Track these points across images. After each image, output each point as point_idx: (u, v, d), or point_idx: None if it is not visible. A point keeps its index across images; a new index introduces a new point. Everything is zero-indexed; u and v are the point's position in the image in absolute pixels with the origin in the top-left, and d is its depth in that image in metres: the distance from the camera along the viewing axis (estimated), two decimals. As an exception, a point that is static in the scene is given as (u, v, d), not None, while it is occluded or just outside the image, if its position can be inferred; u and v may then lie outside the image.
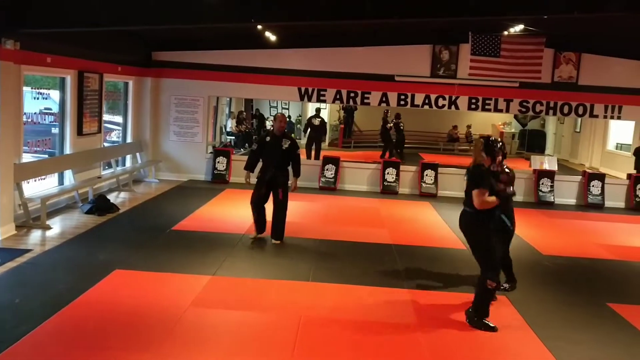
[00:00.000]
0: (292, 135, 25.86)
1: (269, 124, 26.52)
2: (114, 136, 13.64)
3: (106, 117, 12.72)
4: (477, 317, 5.84)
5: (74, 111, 10.65)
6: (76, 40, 9.84)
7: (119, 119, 13.52)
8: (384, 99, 13.78)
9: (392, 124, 19.72)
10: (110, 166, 12.41)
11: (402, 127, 19.83)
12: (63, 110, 10.50)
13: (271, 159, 8.42)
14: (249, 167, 8.69)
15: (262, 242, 8.56)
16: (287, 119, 12.38)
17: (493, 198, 5.76)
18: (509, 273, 7.09)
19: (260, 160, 8.62)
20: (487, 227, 5.86)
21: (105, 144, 12.55)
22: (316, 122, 18.00)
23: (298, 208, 11.17)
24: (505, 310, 6.40)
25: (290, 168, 8.64)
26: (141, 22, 8.41)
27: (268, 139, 8.57)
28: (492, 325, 5.80)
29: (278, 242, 8.53)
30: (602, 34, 12.58)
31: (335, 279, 7.08)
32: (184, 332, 5.29)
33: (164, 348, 4.95)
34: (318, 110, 18.61)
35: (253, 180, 8.61)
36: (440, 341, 5.48)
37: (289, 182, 8.62)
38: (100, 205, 9.91)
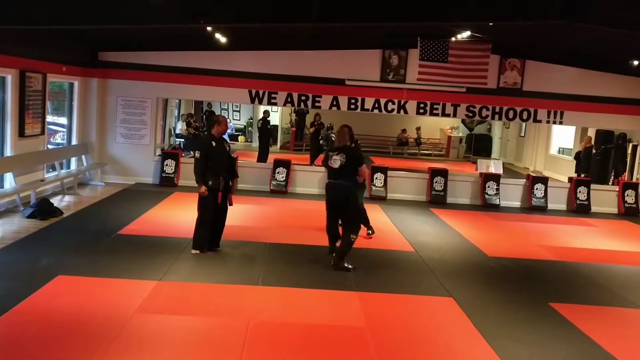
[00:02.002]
0: (242, 137, 25.90)
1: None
2: (59, 138, 13.28)
3: (50, 118, 12.37)
4: (341, 260, 7.60)
5: (15, 112, 10.28)
6: (17, 39, 9.53)
7: (63, 120, 13.16)
8: (334, 103, 13.86)
9: (323, 136, 19.36)
10: (54, 169, 12.06)
11: (333, 140, 20.01)
12: (3, 111, 10.13)
13: (222, 164, 7.91)
14: (203, 178, 7.77)
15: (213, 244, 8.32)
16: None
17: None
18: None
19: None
20: (360, 196, 8.28)
21: (49, 146, 12.20)
22: (259, 124, 18.05)
23: (248, 212, 11.11)
24: (451, 311, 6.52)
25: None
26: (82, 21, 8.14)
27: (214, 143, 7.87)
28: (349, 266, 7.59)
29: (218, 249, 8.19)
30: (545, 42, 12.99)
31: (285, 282, 7.06)
32: (129, 339, 5.17)
33: (108, 356, 4.82)
34: (266, 112, 18.60)
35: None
36: (388, 342, 5.53)
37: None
38: (43, 209, 9.60)
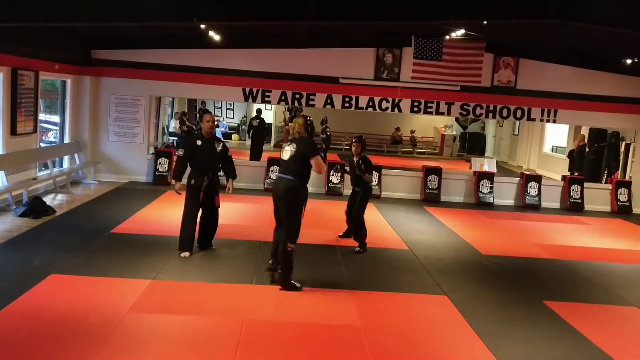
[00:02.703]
0: (236, 136, 25.83)
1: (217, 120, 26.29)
2: (51, 136, 13.20)
3: (43, 116, 12.29)
4: (286, 275, 6.67)
5: (7, 110, 10.22)
6: (9, 36, 9.45)
7: (56, 118, 13.08)
8: (328, 101, 13.84)
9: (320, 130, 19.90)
10: (46, 167, 11.98)
11: (329, 133, 20.17)
12: (-5, 109, 10.08)
13: (207, 164, 7.75)
14: (179, 175, 7.91)
15: (205, 244, 8.27)
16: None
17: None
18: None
19: (189, 167, 7.87)
20: (305, 196, 6.71)
21: (42, 144, 12.12)
22: (254, 122, 18.03)
23: (242, 210, 11.08)
24: (445, 309, 6.52)
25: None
26: (74, 19, 8.10)
27: (199, 142, 7.79)
28: (298, 285, 6.70)
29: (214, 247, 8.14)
30: (539, 41, 13.01)
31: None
32: (122, 339, 5.14)
33: (101, 355, 4.79)
34: (259, 111, 18.62)
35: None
36: (383, 341, 5.52)
37: (227, 185, 8.05)
38: (35, 207, 9.54)
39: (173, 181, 8.08)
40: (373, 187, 13.66)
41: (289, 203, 6.62)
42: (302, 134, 6.81)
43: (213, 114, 26.53)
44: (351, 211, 9.13)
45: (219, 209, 8.07)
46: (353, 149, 8.99)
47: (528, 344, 5.71)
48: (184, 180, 7.88)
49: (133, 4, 7.59)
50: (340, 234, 9.52)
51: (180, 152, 7.90)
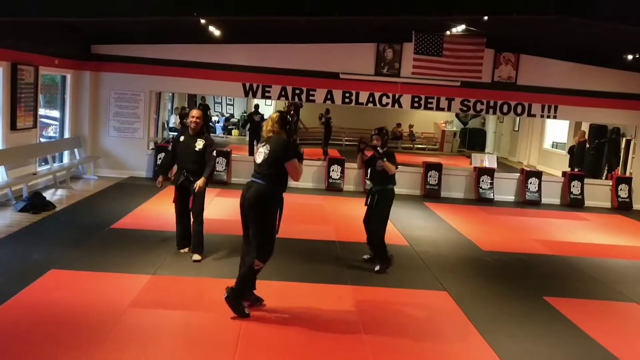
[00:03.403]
0: (236, 131, 25.81)
1: (214, 116, 26.27)
2: (51, 131, 13.18)
3: (42, 111, 12.27)
4: (237, 294, 5.65)
5: (7, 105, 10.20)
6: (9, 31, 9.43)
7: (56, 113, 13.06)
8: (328, 97, 13.81)
9: (323, 119, 20.23)
10: (46, 162, 11.97)
11: (330, 123, 20.26)
12: (-5, 104, 10.07)
13: (181, 161, 7.46)
14: (161, 169, 7.81)
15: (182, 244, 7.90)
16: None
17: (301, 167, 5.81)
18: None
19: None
20: (279, 205, 5.79)
21: (42, 140, 12.11)
22: (256, 118, 18.17)
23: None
24: (445, 305, 6.52)
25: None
26: (72, 13, 8.02)
27: (182, 138, 7.51)
28: (246, 311, 5.67)
29: (199, 258, 7.42)
30: (539, 36, 12.98)
31: (279, 276, 7.01)
32: (122, 334, 5.14)
33: (100, 351, 4.79)
34: (257, 106, 18.71)
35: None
36: (383, 336, 5.52)
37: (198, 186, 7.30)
38: (35, 202, 9.52)
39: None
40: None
41: (258, 212, 5.67)
42: (278, 132, 5.78)
43: (212, 109, 26.61)
44: (370, 221, 7.68)
45: (199, 209, 7.46)
46: (374, 142, 7.58)
47: (528, 340, 5.70)
48: None
49: (132, -2, 7.58)
50: (365, 256, 7.88)
51: (170, 147, 7.83)
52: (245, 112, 26.06)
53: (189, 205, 7.48)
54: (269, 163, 5.66)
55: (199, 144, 7.36)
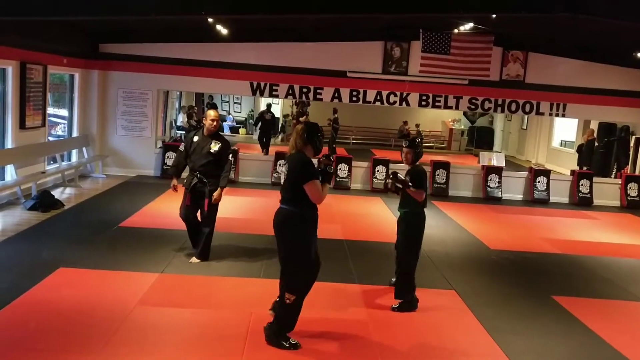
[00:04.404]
0: (244, 130, 25.84)
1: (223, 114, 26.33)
2: (60, 130, 13.25)
3: (51, 110, 12.34)
4: (275, 333, 5.07)
5: (16, 104, 10.26)
6: (17, 30, 9.47)
7: (64, 112, 13.12)
8: (336, 95, 13.81)
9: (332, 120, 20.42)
10: (55, 161, 12.03)
11: (336, 126, 20.47)
12: (4, 103, 10.11)
13: (195, 163, 7.13)
14: (174, 171, 7.48)
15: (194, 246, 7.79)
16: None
17: (326, 188, 5.15)
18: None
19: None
20: (307, 228, 5.09)
21: (50, 138, 12.17)
22: (268, 116, 18.40)
23: (249, 204, 11.09)
24: (453, 303, 6.50)
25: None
26: (80, 12, 8.02)
27: (196, 138, 7.18)
28: (286, 343, 5.01)
29: (197, 261, 7.26)
30: (548, 34, 12.93)
31: (287, 275, 7.02)
32: (130, 332, 5.16)
33: (108, 348, 4.81)
34: (269, 105, 18.91)
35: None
36: (390, 335, 5.52)
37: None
38: (44, 201, 9.58)
39: None
40: (381, 181, 13.73)
41: (285, 238, 5.09)
42: (301, 148, 5.05)
43: (220, 108, 26.64)
44: (399, 249, 6.47)
45: (212, 215, 7.29)
46: (402, 156, 6.53)
47: (536, 339, 5.68)
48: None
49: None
50: (393, 279, 6.61)
51: (181, 147, 7.49)
52: (252, 111, 26.07)
53: (197, 209, 7.29)
54: (287, 187, 5.06)
55: (215, 145, 7.07)
